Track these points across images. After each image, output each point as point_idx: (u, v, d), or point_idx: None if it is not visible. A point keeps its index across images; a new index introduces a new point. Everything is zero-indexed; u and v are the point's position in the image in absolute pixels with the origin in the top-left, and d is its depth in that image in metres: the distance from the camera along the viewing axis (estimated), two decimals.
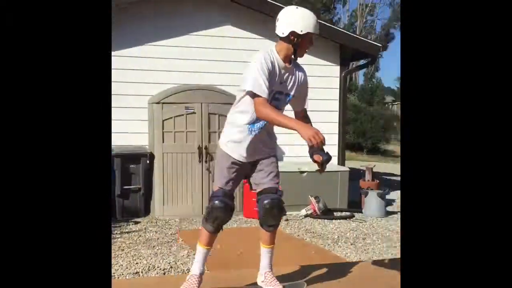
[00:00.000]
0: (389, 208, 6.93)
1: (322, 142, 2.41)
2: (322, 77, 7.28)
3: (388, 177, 11.32)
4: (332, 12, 40.49)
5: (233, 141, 2.74)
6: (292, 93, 2.77)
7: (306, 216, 6.24)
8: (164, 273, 3.88)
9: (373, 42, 7.94)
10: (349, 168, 7.11)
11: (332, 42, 7.33)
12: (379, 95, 29.19)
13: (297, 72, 2.78)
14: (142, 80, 6.48)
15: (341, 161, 7.44)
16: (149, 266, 4.01)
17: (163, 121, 6.16)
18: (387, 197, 7.26)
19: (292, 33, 2.61)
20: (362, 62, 8.83)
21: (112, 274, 3.71)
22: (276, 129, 2.74)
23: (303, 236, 5.35)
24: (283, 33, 2.63)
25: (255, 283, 2.92)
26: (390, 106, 32.55)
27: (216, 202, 2.70)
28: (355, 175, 7.70)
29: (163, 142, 6.17)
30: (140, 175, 6.06)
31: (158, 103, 6.20)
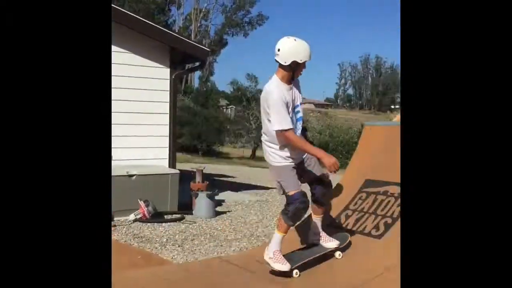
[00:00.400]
0: (219, 209, 7.14)
1: (336, 171, 3.35)
2: (153, 79, 7.21)
3: (219, 178, 11.68)
4: (167, 14, 40.37)
5: (285, 156, 3.56)
6: (300, 101, 3.62)
7: (135, 220, 6.09)
8: None
9: (202, 46, 8.13)
10: (181, 170, 7.15)
11: (162, 44, 7.29)
12: (214, 98, 30.00)
13: (295, 83, 3.60)
14: None
15: (172, 164, 7.44)
16: None
17: None
18: (217, 198, 7.48)
19: (293, 62, 3.40)
20: (191, 65, 8.96)
21: None
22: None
23: (131, 241, 5.21)
24: (285, 62, 3.41)
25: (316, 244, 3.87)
26: (224, 109, 33.69)
27: (300, 205, 3.47)
28: (188, 177, 7.77)
29: None
30: None
31: None
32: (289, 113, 3.41)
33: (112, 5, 5.71)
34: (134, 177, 6.32)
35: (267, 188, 10.57)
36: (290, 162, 3.56)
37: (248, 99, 34.07)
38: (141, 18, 7.36)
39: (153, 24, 7.59)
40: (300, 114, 3.61)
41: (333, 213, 4.36)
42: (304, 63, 3.45)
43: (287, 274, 3.55)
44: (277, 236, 3.60)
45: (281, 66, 3.45)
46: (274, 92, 3.41)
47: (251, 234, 5.68)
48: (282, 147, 3.52)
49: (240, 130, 32.48)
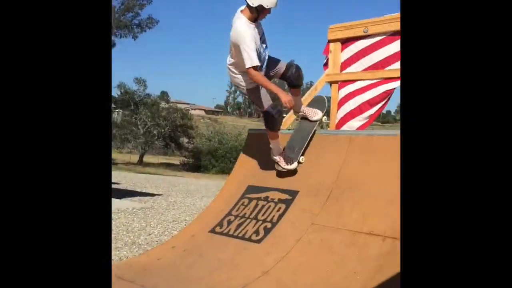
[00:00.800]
0: None
1: (292, 107, 4.28)
2: None
3: None
4: None
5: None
6: (263, 37, 4.12)
7: None
8: None
9: None
10: None
11: None
12: None
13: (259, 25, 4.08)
14: None
15: None
16: None
17: None
18: None
19: (260, 6, 3.81)
20: None
21: None
22: None
23: None
24: (253, 4, 3.81)
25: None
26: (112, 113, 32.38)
27: (275, 115, 4.23)
28: None
29: None
30: None
31: None
32: (256, 50, 3.87)
33: None
34: None
35: (153, 195, 10.34)
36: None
37: (136, 103, 33.13)
38: None
39: None
40: (265, 45, 4.13)
41: (216, 219, 4.38)
42: (269, 9, 3.87)
43: (296, 167, 4.39)
44: (273, 143, 4.37)
45: (248, 6, 3.86)
46: (246, 32, 3.84)
47: (132, 243, 5.50)
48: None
49: (127, 135, 31.45)
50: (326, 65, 5.79)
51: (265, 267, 3.48)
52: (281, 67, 4.37)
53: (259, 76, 3.95)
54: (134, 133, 30.42)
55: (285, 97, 4.02)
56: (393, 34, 5.27)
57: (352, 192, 3.88)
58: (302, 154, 4.49)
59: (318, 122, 4.70)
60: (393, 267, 3.06)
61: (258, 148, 4.87)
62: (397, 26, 5.15)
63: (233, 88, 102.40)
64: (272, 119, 4.24)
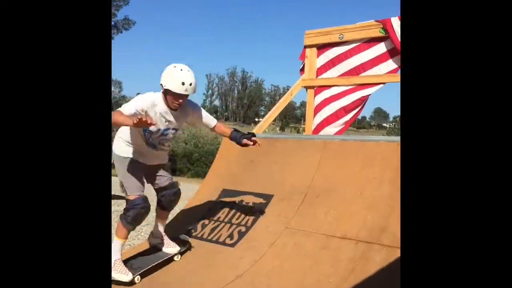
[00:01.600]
0: None
1: (145, 121, 2.90)
2: None
3: None
4: None
5: (131, 151, 3.57)
6: (173, 126, 3.51)
7: None
8: None
9: None
10: None
11: None
12: None
13: (187, 109, 3.51)
14: None
15: None
16: None
17: None
18: None
19: (163, 86, 3.29)
20: None
21: None
22: None
23: None
24: (160, 83, 3.31)
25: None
26: None
27: (141, 210, 3.44)
28: None
29: None
30: None
31: None
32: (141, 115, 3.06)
33: None
34: None
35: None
36: (136, 158, 3.51)
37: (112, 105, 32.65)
38: None
39: None
40: (166, 137, 3.54)
41: (191, 222, 4.35)
42: (174, 93, 3.26)
43: (129, 284, 3.43)
44: (116, 242, 3.49)
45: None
46: (139, 98, 3.34)
47: None
48: (132, 139, 3.49)
49: None
50: (302, 70, 5.84)
51: (238, 271, 3.47)
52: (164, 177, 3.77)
53: (116, 115, 3.08)
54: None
55: (130, 121, 2.99)
56: (369, 40, 5.35)
57: (326, 197, 3.91)
58: (142, 275, 3.56)
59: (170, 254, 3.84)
60: (366, 271, 3.10)
61: (234, 152, 4.87)
62: (373, 33, 5.24)
63: (210, 92, 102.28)
64: (136, 214, 3.44)
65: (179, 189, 3.88)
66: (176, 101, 3.32)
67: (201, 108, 3.66)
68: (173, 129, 3.52)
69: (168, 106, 3.38)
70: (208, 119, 3.69)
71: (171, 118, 3.44)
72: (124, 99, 34.61)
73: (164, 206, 3.83)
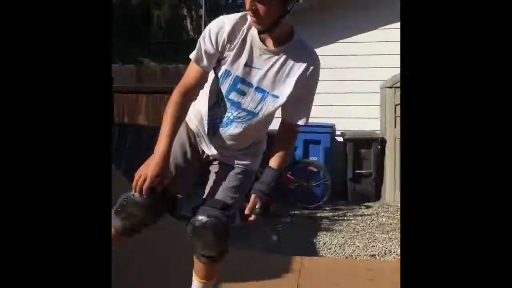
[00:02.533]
0: None
1: (141, 189, 1.65)
2: None
3: None
4: None
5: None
6: (270, 90, 1.72)
7: None
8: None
9: None
10: None
11: None
12: None
13: (291, 60, 1.69)
14: (374, 64, 6.05)
15: None
16: (385, 250, 4.00)
17: (395, 105, 5.84)
18: None
19: None
20: None
21: (350, 254, 3.87)
22: None
23: None
24: None
25: None
26: None
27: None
28: None
29: (395, 127, 5.86)
30: (371, 160, 5.88)
31: (390, 87, 5.89)
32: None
33: None
34: None
35: None
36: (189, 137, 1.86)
37: None
38: None
39: None
40: (249, 105, 1.74)
41: None
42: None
43: None
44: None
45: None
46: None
47: None
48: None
49: None
50: None
51: None
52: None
53: (172, 98, 1.70)
54: None
55: (143, 167, 1.68)
56: None
57: None
58: None
59: None
60: None
61: None
62: None
63: None
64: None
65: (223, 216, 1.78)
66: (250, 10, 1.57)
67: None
68: (256, 88, 1.72)
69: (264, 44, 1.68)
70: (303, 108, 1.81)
71: (259, 63, 1.70)
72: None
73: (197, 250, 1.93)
